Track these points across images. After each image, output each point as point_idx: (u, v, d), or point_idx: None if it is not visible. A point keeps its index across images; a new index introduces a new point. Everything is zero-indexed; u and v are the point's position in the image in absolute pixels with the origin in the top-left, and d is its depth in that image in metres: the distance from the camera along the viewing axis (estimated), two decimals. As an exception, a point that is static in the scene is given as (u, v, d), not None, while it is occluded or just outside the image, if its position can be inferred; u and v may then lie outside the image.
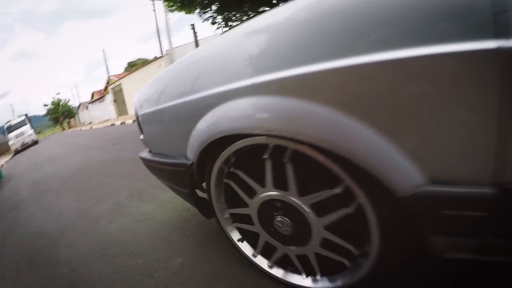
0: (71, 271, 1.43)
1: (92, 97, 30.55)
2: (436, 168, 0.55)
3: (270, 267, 1.00)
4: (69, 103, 39.15)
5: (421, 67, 0.50)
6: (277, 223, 0.89)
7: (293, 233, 0.87)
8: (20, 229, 2.32)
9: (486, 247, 0.58)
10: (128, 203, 2.18)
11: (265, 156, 0.80)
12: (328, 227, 0.78)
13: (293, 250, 0.91)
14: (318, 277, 0.88)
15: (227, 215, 1.08)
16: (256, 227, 0.98)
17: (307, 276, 0.91)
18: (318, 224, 0.79)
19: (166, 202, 1.96)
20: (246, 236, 1.07)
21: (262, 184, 0.86)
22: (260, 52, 0.73)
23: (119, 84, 19.16)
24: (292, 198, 0.81)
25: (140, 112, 1.30)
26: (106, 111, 22.75)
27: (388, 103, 0.55)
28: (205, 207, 1.14)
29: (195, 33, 10.25)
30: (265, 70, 0.70)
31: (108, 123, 16.98)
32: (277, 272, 0.98)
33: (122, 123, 14.49)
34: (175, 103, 1.02)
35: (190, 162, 1.01)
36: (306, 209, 0.79)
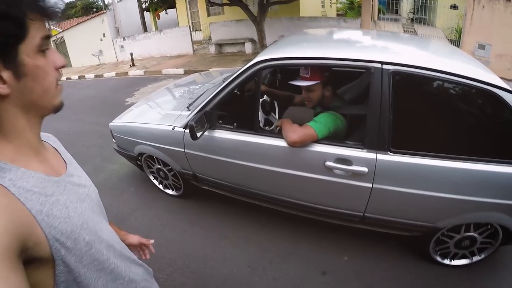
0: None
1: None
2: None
3: (164, 189, 2.94)
4: None
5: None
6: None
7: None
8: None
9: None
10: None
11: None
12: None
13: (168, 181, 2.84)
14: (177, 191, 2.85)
15: (148, 170, 2.96)
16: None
17: (172, 190, 2.89)
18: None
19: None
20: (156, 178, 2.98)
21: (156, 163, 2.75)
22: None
23: (62, 36, 18.34)
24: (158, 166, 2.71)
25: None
26: (47, 62, 21.45)
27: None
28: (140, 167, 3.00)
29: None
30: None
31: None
32: (167, 190, 2.93)
33: (68, 78, 14.21)
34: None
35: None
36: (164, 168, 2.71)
